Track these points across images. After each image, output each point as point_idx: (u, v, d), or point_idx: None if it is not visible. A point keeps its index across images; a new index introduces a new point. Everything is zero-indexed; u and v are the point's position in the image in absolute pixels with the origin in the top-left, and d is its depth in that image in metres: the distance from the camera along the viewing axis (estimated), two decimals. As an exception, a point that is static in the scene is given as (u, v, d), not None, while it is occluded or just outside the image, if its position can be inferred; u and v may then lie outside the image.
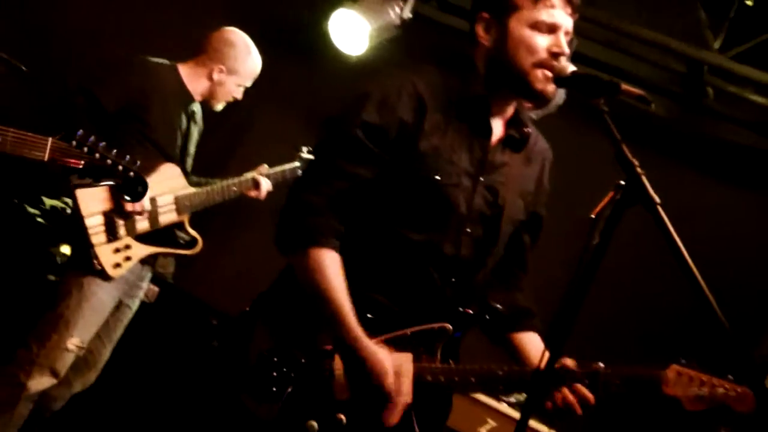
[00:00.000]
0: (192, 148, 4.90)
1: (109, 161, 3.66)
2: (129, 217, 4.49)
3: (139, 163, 3.81)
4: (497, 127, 2.96)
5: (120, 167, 3.73)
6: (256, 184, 5.00)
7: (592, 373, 2.83)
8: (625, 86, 2.57)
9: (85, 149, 3.60)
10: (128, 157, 3.76)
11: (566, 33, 2.84)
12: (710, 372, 2.79)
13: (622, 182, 2.38)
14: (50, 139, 3.52)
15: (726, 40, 5.60)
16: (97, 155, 3.63)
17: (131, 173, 3.79)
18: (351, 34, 5.97)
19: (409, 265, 2.87)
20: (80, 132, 3.56)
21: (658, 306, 5.62)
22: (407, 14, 6.00)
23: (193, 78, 4.84)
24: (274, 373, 2.85)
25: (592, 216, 2.45)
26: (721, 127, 6.21)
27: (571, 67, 2.74)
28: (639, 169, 2.39)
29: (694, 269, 2.23)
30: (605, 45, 6.09)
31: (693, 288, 2.23)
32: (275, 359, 2.86)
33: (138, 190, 3.94)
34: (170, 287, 5.37)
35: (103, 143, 3.65)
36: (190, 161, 4.93)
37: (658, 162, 6.14)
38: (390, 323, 2.86)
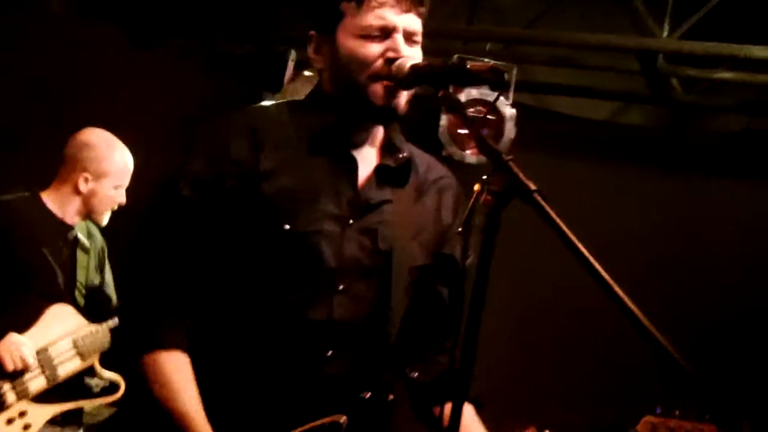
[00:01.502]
0: (88, 277, 4.25)
1: None
2: (16, 377, 3.87)
3: None
4: (368, 157, 2.44)
5: None
6: None
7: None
8: (471, 64, 2.11)
9: None
10: None
11: (408, 34, 2.34)
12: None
13: (486, 177, 1.86)
14: None
15: (673, 22, 5.03)
16: None
17: None
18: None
19: (273, 342, 2.30)
20: None
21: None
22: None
23: (59, 200, 4.20)
24: None
25: (459, 231, 1.92)
26: (709, 118, 5.76)
27: (410, 62, 2.24)
28: (505, 156, 1.87)
29: (597, 266, 1.68)
30: (556, 64, 5.60)
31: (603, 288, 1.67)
32: None
33: None
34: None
35: None
36: (109, 291, 4.33)
37: (654, 173, 5.79)
38: (271, 426, 2.27)
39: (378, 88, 2.28)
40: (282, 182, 2.30)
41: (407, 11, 2.32)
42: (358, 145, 2.41)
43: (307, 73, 5.69)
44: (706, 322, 5.07)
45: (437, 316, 2.51)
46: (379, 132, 2.44)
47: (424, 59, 2.26)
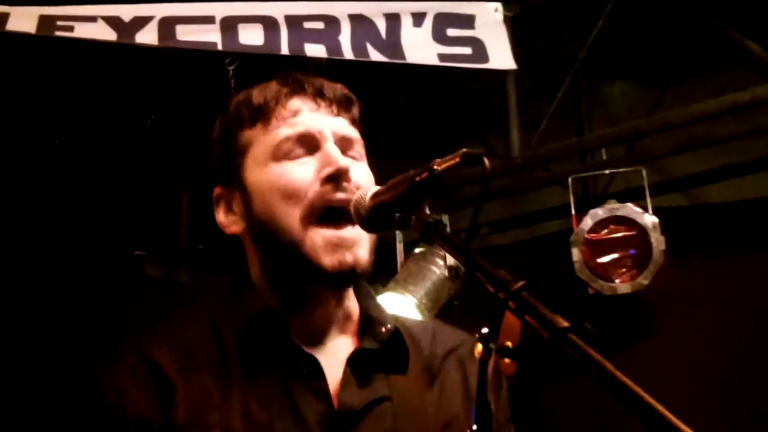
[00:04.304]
0: None
1: None
2: None
3: None
4: (338, 348, 1.71)
5: None
6: None
7: None
8: (438, 164, 1.41)
9: None
10: None
11: (344, 140, 1.68)
12: None
13: (484, 330, 1.16)
14: None
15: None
16: None
17: None
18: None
19: None
20: None
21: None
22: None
23: None
24: None
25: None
26: None
27: (369, 192, 1.54)
28: (513, 284, 1.20)
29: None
30: (688, 148, 4.69)
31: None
32: None
33: None
34: None
35: None
36: None
37: None
38: None
39: (319, 237, 1.59)
40: (214, 422, 1.58)
41: (335, 115, 1.68)
42: (316, 334, 1.69)
43: (417, 249, 5.05)
44: None
45: None
46: (347, 304, 1.72)
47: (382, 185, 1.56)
